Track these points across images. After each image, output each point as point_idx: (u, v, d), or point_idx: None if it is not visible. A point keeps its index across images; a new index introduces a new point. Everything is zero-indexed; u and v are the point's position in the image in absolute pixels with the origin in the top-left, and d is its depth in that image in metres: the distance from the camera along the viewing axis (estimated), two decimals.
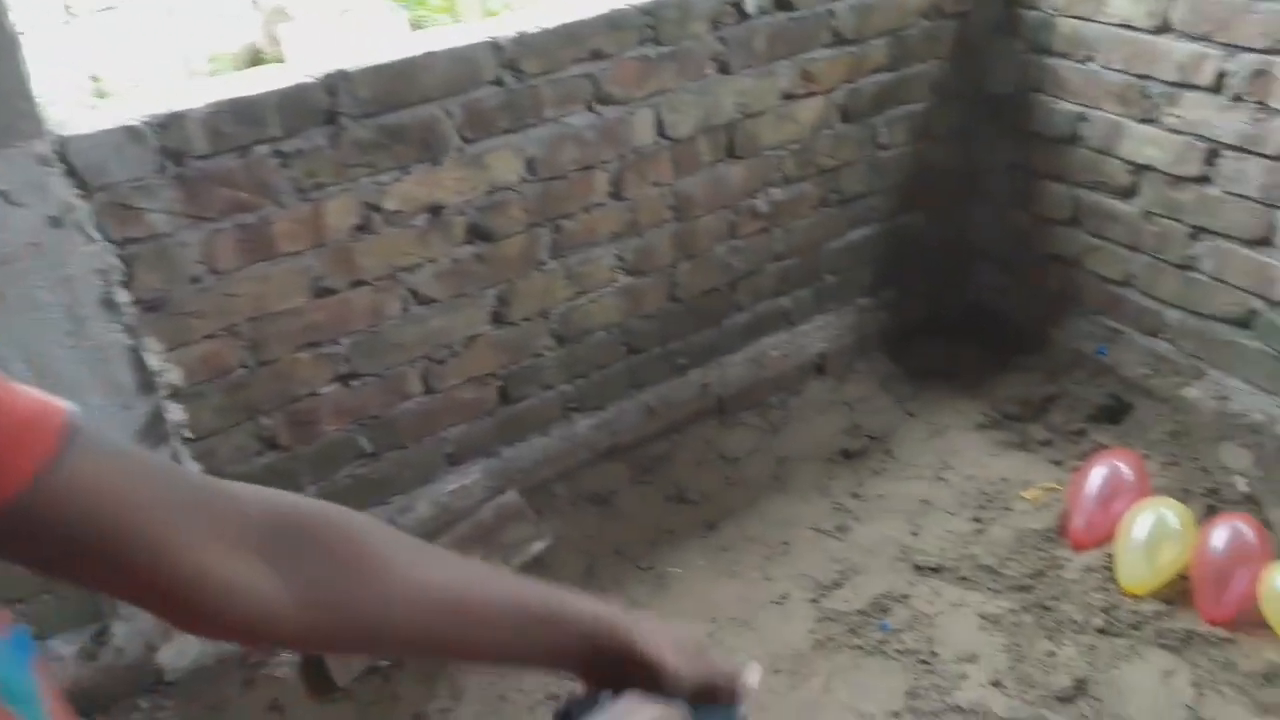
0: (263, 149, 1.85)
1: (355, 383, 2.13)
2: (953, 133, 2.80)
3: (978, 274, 2.97)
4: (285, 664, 2.02)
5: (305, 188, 1.91)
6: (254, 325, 1.97)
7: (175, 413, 1.94)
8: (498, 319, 2.26)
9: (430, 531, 2.24)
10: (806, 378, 2.71)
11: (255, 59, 4.76)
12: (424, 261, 2.12)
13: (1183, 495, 2.21)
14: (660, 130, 2.30)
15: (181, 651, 2.05)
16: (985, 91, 2.75)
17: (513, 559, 2.17)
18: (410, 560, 0.69)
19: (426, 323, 2.17)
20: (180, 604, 0.61)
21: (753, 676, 0.78)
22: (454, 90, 2.02)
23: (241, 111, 1.81)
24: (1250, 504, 2.21)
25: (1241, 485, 2.26)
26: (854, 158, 2.64)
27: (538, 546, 2.21)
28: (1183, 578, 2.05)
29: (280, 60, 4.35)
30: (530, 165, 2.16)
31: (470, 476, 2.34)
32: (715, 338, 2.61)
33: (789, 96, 2.45)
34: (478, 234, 2.16)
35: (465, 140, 2.07)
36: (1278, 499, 2.22)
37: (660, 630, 0.74)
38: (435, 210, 2.09)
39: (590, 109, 2.20)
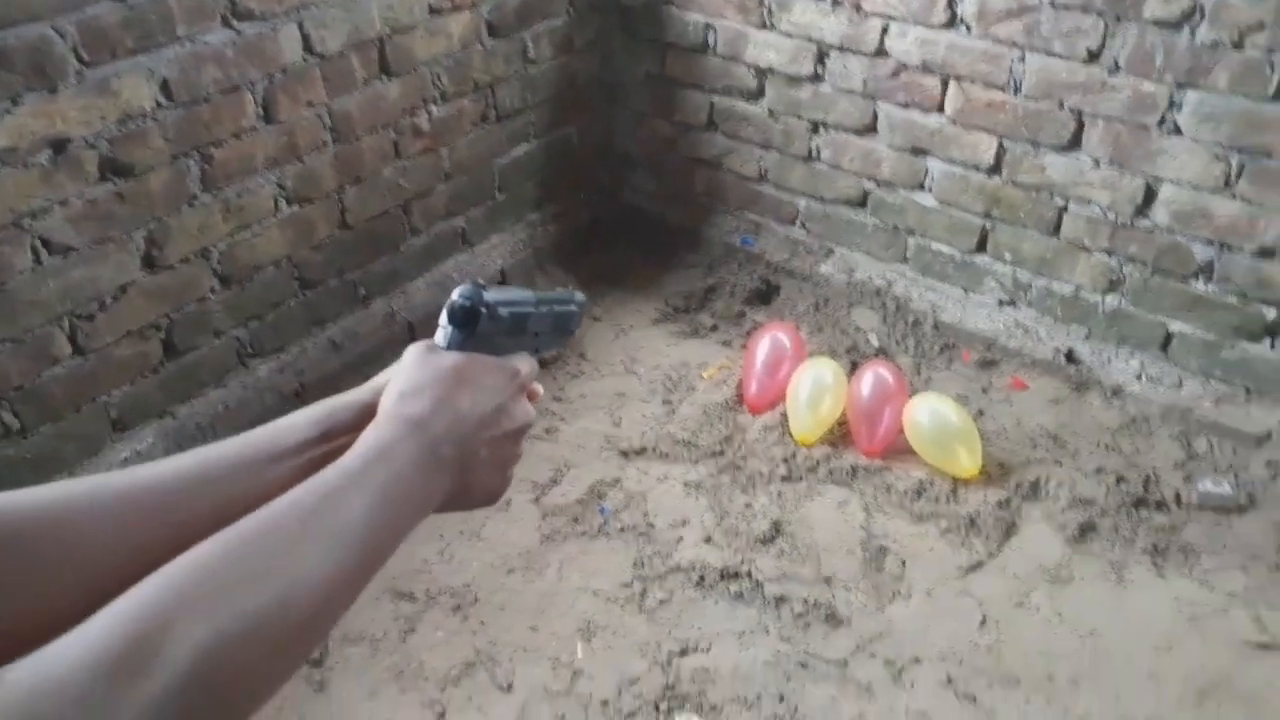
0: None
1: None
2: (592, 45, 2.90)
3: (630, 181, 3.14)
4: None
5: None
6: None
7: None
8: (150, 263, 2.04)
9: None
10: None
11: None
12: (52, 204, 1.85)
13: (832, 354, 2.53)
14: (308, 46, 2.18)
15: None
16: (619, 4, 2.88)
17: None
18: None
19: (65, 274, 1.91)
20: None
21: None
22: (65, 6, 1.77)
23: None
24: (883, 354, 2.58)
25: (874, 340, 2.63)
26: (506, 73, 2.66)
27: None
28: (841, 423, 2.36)
29: None
30: (166, 89, 1.96)
31: (144, 441, 2.11)
32: (394, 264, 2.55)
33: (436, 10, 2.41)
34: (114, 169, 1.92)
35: (84, 63, 1.82)
36: (902, 347, 2.61)
37: (409, 368, 0.70)
38: (59, 145, 1.83)
39: (227, 24, 2.02)
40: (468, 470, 0.68)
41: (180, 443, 2.15)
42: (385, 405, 0.67)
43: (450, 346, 0.72)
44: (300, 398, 2.35)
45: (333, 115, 2.28)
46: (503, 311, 0.73)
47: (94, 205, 1.91)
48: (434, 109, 2.50)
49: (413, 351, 0.71)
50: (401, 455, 0.63)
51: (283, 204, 2.25)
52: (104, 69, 1.85)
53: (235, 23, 2.03)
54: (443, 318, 0.72)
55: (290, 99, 2.18)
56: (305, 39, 2.16)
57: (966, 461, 2.18)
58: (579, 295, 0.84)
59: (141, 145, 1.95)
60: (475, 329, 0.72)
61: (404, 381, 0.68)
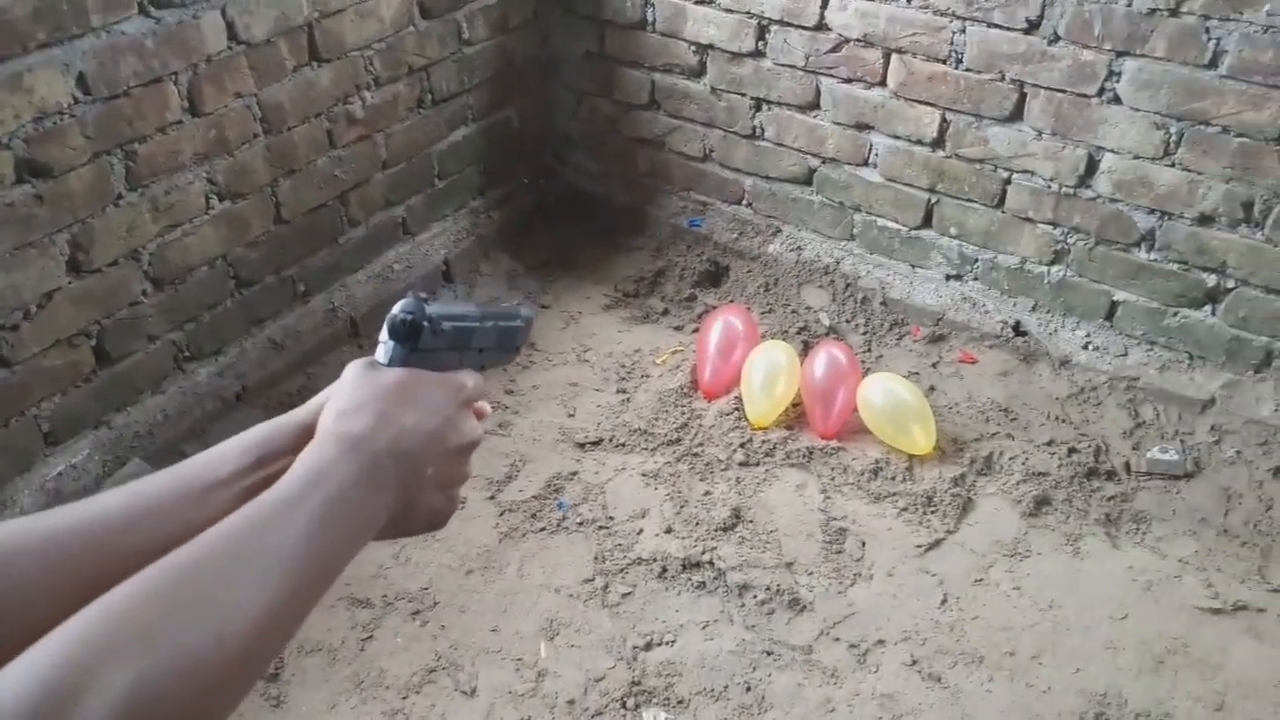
0: None
1: None
2: (529, 24, 2.83)
3: (573, 162, 3.08)
4: None
5: None
6: None
7: None
8: (76, 268, 1.95)
9: None
10: (436, 286, 2.67)
11: None
12: None
13: (783, 335, 2.52)
14: (232, 34, 2.08)
15: None
16: None
17: None
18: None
19: None
20: None
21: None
22: None
23: None
24: (834, 333, 2.57)
25: (824, 319, 2.62)
26: (441, 55, 2.59)
27: None
28: (796, 405, 2.35)
29: None
30: (83, 83, 1.86)
31: (79, 454, 2.02)
32: (334, 257, 2.47)
33: None
34: (31, 170, 1.83)
35: None
36: (852, 325, 2.61)
37: (349, 385, 0.67)
38: None
39: (145, 13, 1.92)
40: (412, 490, 0.65)
41: (117, 453, 2.06)
42: (324, 424, 0.64)
43: (392, 362, 0.69)
44: (242, 400, 2.27)
45: (262, 105, 2.19)
46: (446, 326, 0.70)
47: (11, 209, 1.81)
48: (368, 95, 2.42)
49: (352, 369, 0.68)
50: (340, 475, 0.60)
51: (214, 200, 2.16)
52: (14, 63, 1.75)
53: (154, 11, 1.94)
54: (383, 332, 0.69)
55: (217, 90, 2.09)
56: (229, 26, 2.07)
57: (921, 439, 2.19)
58: (525, 310, 0.81)
59: (60, 143, 1.86)
60: (417, 344, 0.69)
61: (343, 399, 0.65)
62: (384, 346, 0.69)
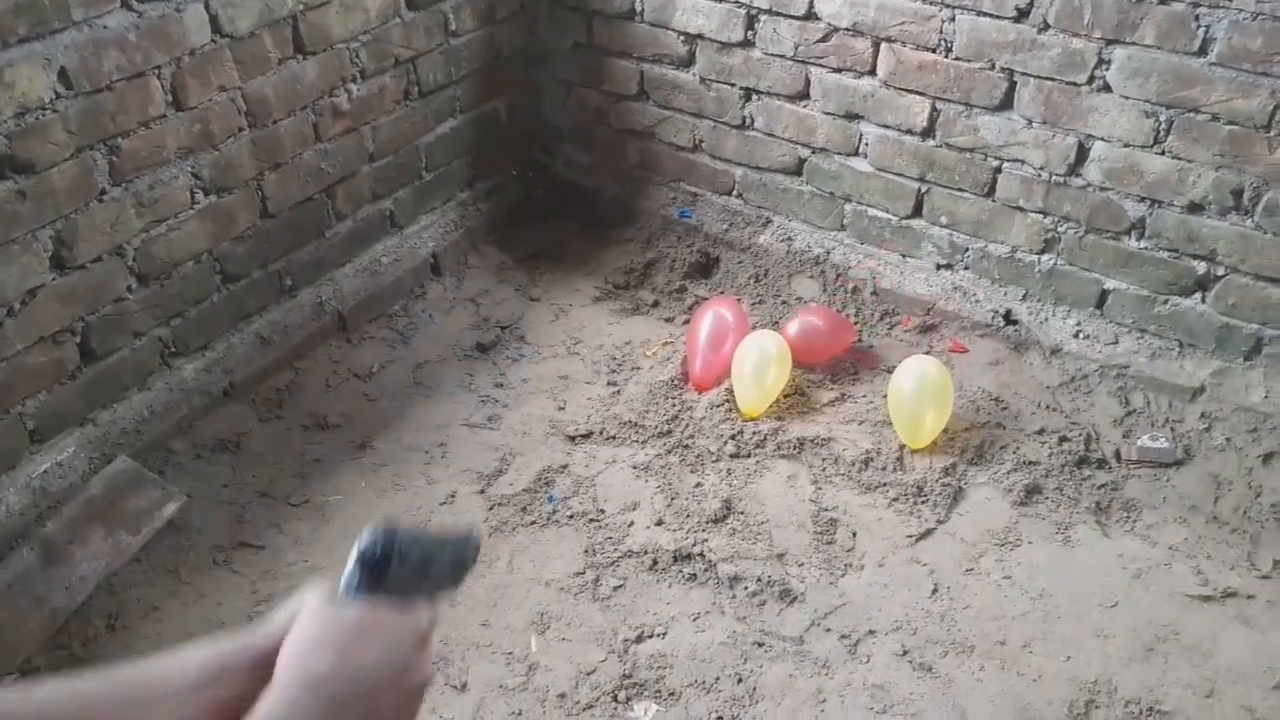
0: None
1: None
2: (517, 15, 2.82)
3: (562, 154, 3.07)
4: None
5: None
6: None
7: None
8: (60, 264, 1.93)
9: (30, 521, 1.90)
10: (424, 280, 2.65)
11: None
12: None
13: (774, 326, 2.51)
14: (216, 27, 2.07)
15: None
16: None
17: (144, 528, 1.93)
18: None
19: None
20: None
21: None
22: None
23: None
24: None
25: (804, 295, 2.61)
26: (428, 47, 2.57)
27: (170, 509, 1.97)
28: (787, 395, 2.35)
29: None
30: (65, 78, 1.84)
31: (64, 451, 2.01)
32: (321, 251, 2.45)
33: None
34: (13, 166, 1.81)
35: None
36: (843, 315, 2.60)
37: (310, 620, 0.68)
38: None
39: (127, 6, 1.91)
40: None
41: (104, 450, 2.05)
42: (283, 663, 0.65)
43: (357, 589, 0.70)
44: (229, 396, 2.26)
45: (247, 99, 2.17)
46: (412, 556, 0.72)
47: None
48: (354, 88, 2.40)
49: (313, 600, 0.69)
50: (301, 717, 0.62)
51: (199, 195, 2.15)
52: None
53: (136, 4, 1.92)
54: (351, 556, 0.70)
55: (201, 84, 2.07)
56: (213, 19, 2.06)
57: (928, 428, 2.18)
58: (475, 535, 0.82)
59: (42, 139, 1.84)
60: (385, 575, 0.70)
61: (306, 636, 0.66)
62: (350, 573, 0.70)
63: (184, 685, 0.65)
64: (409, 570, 0.71)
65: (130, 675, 0.66)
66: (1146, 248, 2.32)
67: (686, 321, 2.55)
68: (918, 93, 2.43)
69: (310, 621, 0.67)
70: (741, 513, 2.07)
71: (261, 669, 0.65)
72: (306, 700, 0.62)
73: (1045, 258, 2.46)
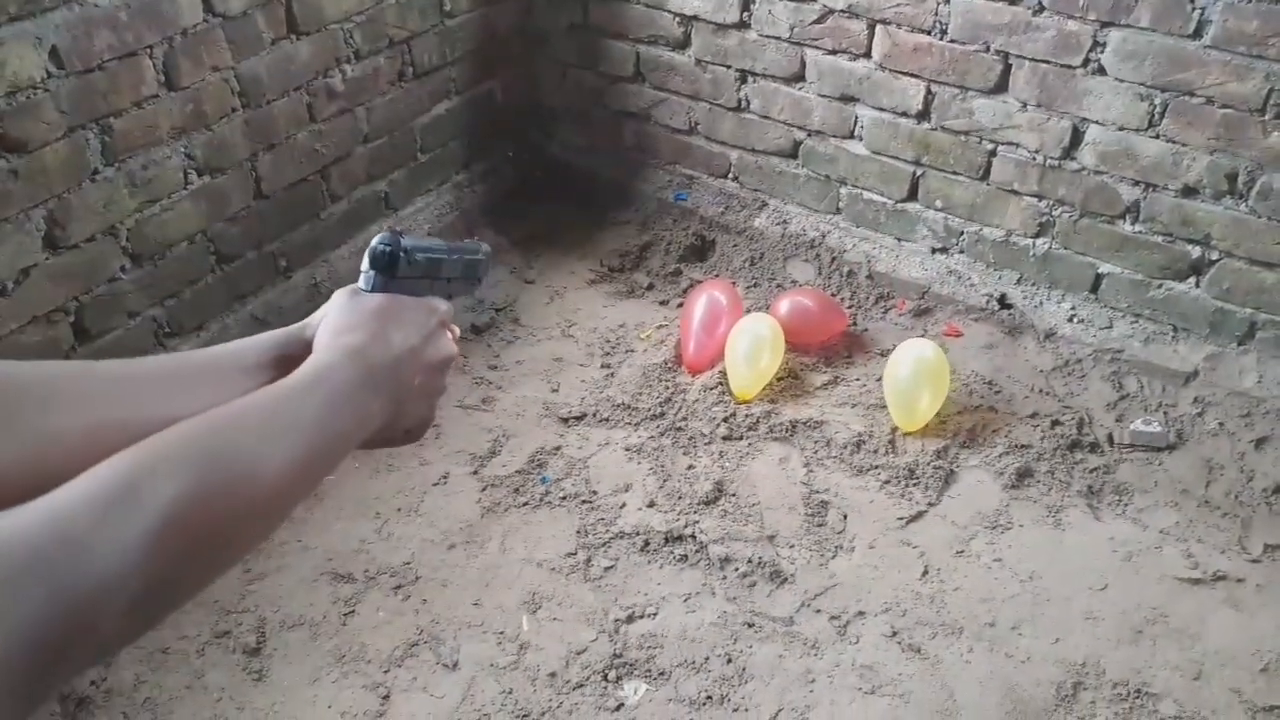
0: None
1: None
2: None
3: (558, 135, 3.06)
4: None
5: None
6: None
7: None
8: (53, 244, 1.93)
9: None
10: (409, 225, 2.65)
11: None
12: None
13: (767, 309, 2.51)
14: (208, 6, 2.05)
15: None
16: None
17: None
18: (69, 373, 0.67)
19: None
20: None
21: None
22: None
23: None
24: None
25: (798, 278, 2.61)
26: (422, 27, 2.56)
27: None
28: (780, 378, 2.35)
29: None
30: (56, 57, 1.83)
31: None
32: (315, 232, 2.45)
33: None
34: (4, 145, 1.80)
35: None
36: (838, 299, 2.60)
37: (340, 309, 0.75)
38: None
39: None
40: (400, 396, 0.74)
41: None
42: (320, 340, 0.73)
43: (373, 289, 0.77)
44: None
45: (240, 79, 2.17)
46: (419, 256, 0.79)
47: None
48: (348, 68, 2.40)
49: (339, 296, 0.77)
50: (342, 376, 0.69)
51: (193, 175, 2.14)
52: None
53: None
54: (364, 262, 0.78)
55: (193, 63, 2.07)
56: None
57: (922, 410, 2.18)
58: (485, 245, 0.90)
59: (34, 118, 1.83)
60: (395, 272, 0.77)
61: (336, 321, 0.74)
62: (365, 275, 0.77)
63: (235, 369, 0.72)
64: (417, 269, 0.79)
65: (207, 355, 0.73)
66: (1141, 232, 2.32)
67: (681, 305, 2.55)
68: (913, 75, 2.43)
69: (339, 311, 0.75)
70: (733, 495, 2.08)
71: (308, 350, 0.72)
72: (345, 366, 0.69)
73: (1040, 241, 2.46)
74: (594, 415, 2.25)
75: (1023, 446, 2.17)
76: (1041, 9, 2.20)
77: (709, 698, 1.72)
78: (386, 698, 1.72)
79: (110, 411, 0.65)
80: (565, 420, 2.24)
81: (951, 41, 2.34)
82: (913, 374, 2.20)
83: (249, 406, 0.64)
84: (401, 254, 0.77)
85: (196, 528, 0.55)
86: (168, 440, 0.58)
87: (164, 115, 2.04)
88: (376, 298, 0.76)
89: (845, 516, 2.04)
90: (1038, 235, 2.45)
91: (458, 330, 0.84)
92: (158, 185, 2.08)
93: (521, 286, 2.65)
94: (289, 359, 0.73)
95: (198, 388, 0.70)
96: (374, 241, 0.77)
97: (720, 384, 2.32)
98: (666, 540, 1.97)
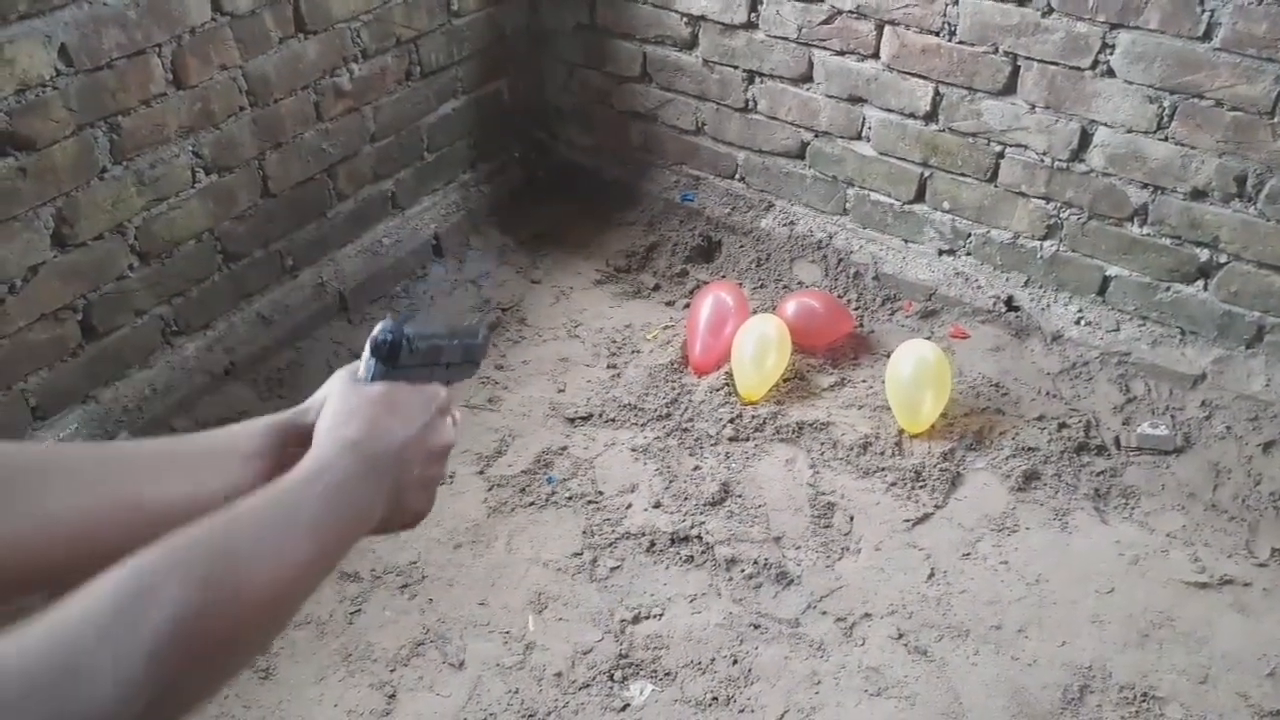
0: None
1: None
2: None
3: (564, 136, 3.06)
4: None
5: None
6: None
7: None
8: (61, 241, 1.94)
9: None
10: (426, 261, 2.65)
11: None
12: None
13: (774, 310, 2.50)
14: (216, 5, 2.06)
15: None
16: None
17: None
18: (67, 455, 0.68)
19: None
20: None
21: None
22: None
23: None
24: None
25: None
26: (430, 26, 2.56)
27: None
28: (786, 379, 2.35)
29: None
30: (65, 55, 1.84)
31: (66, 428, 2.02)
32: (322, 231, 2.45)
33: None
34: (14, 143, 1.81)
35: None
36: (845, 300, 2.60)
37: (339, 398, 0.74)
38: None
39: None
40: (401, 485, 0.73)
41: (105, 428, 2.06)
42: (320, 432, 0.72)
43: (373, 378, 0.76)
44: (230, 375, 2.27)
45: (248, 78, 2.17)
46: (420, 344, 0.78)
47: None
48: (355, 67, 2.40)
49: (338, 381, 0.76)
50: (341, 469, 0.69)
51: (200, 174, 2.15)
52: None
53: None
54: (366, 351, 0.77)
55: (201, 62, 2.07)
56: None
57: (926, 411, 2.18)
58: (485, 329, 0.90)
59: (42, 116, 1.84)
60: (397, 361, 0.76)
61: (334, 411, 0.73)
62: (366, 364, 0.77)
63: (233, 455, 0.73)
64: (419, 357, 0.78)
65: (203, 440, 0.74)
66: (1149, 234, 2.31)
67: (687, 305, 2.55)
68: (921, 76, 2.42)
69: (338, 399, 0.74)
70: (739, 496, 2.08)
71: (307, 436, 0.72)
72: (345, 457, 0.69)
73: (1047, 244, 2.45)
74: (600, 416, 2.25)
75: (1029, 449, 2.16)
76: (1050, 10, 2.20)
77: (715, 699, 1.72)
78: (393, 697, 1.73)
79: (107, 495, 0.66)
80: (571, 420, 2.24)
81: (960, 43, 2.33)
82: (914, 375, 2.20)
83: (246, 512, 0.63)
84: (404, 342, 0.76)
85: (199, 643, 0.55)
86: (167, 553, 0.57)
87: (172, 114, 2.04)
88: (376, 386, 0.75)
89: (851, 518, 2.04)
90: (1045, 237, 2.45)
91: (459, 415, 0.83)
92: (165, 184, 2.08)
93: (528, 286, 2.65)
94: (287, 444, 0.74)
95: (196, 472, 0.70)
96: (376, 330, 0.77)
97: (726, 385, 2.32)
98: (672, 541, 1.97)
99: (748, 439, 2.21)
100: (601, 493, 2.08)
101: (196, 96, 2.08)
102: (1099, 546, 1.98)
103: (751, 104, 2.71)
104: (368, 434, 0.71)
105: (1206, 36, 2.06)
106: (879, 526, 2.02)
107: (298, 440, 0.73)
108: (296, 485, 0.66)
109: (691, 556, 1.95)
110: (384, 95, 2.50)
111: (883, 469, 2.13)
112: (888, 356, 2.34)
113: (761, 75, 2.66)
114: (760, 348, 2.30)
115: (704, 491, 2.07)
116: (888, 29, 2.41)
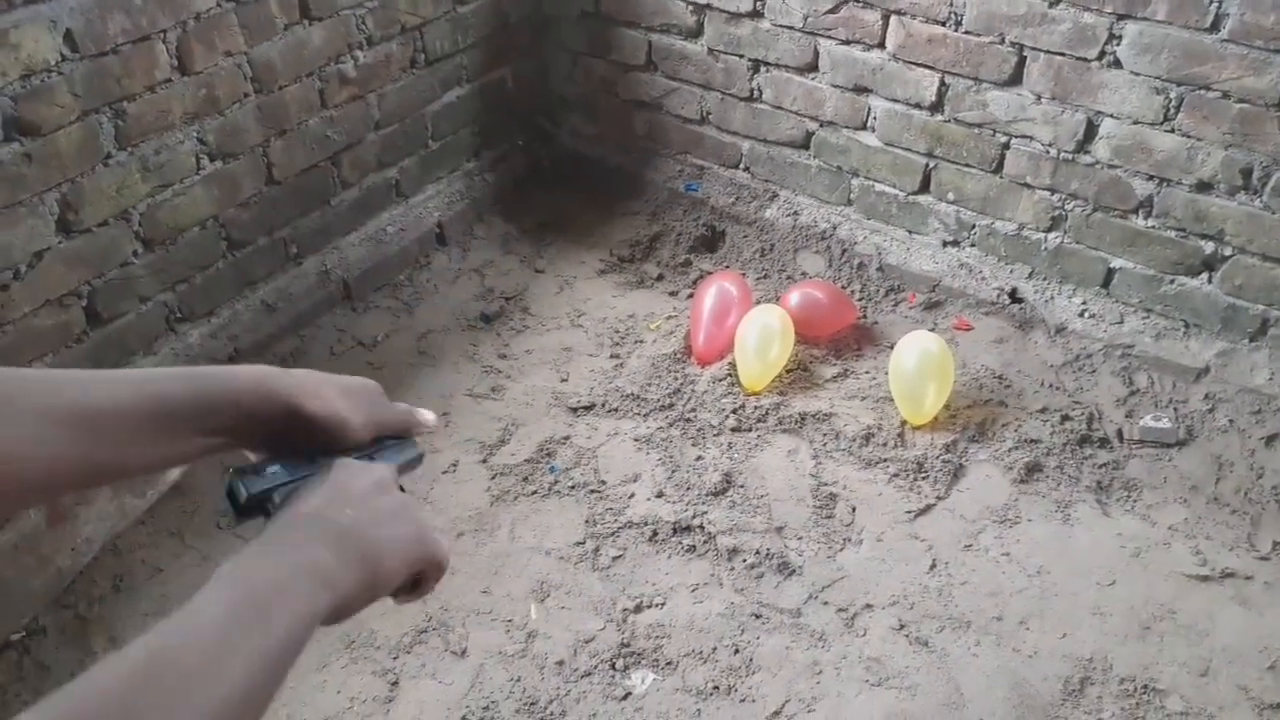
0: None
1: None
2: None
3: (568, 124, 3.06)
4: None
5: None
6: None
7: None
8: (66, 227, 1.94)
9: None
10: (429, 249, 2.65)
11: None
12: None
13: (778, 300, 2.50)
14: None
15: None
16: None
17: (149, 492, 1.94)
18: (35, 390, 0.58)
19: None
20: None
21: (428, 416, 0.76)
22: None
23: None
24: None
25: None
26: (435, 14, 2.56)
27: (174, 474, 1.99)
28: (789, 370, 2.35)
29: None
30: (71, 40, 1.83)
31: None
32: (326, 219, 2.45)
33: None
34: (19, 128, 1.81)
35: None
36: (848, 291, 2.59)
37: (324, 381, 0.68)
38: None
39: None
40: (359, 530, 0.62)
41: None
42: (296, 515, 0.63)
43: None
44: (234, 362, 2.27)
45: (253, 64, 2.17)
46: (276, 495, 0.66)
47: (0, 167, 1.80)
48: (360, 55, 2.39)
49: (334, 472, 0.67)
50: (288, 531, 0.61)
51: (205, 160, 2.14)
52: (1, 20, 1.73)
53: None
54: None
55: (206, 48, 2.07)
56: None
57: (929, 404, 2.18)
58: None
59: (48, 102, 1.84)
60: (270, 511, 0.65)
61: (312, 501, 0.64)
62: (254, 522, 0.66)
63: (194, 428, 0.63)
64: (291, 497, 0.65)
65: (158, 403, 0.62)
66: (1154, 227, 2.31)
67: (691, 296, 2.55)
68: (927, 66, 2.41)
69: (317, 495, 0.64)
70: (741, 486, 2.08)
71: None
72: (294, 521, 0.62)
73: (1052, 235, 2.45)
74: (603, 405, 2.25)
75: (1032, 441, 2.16)
76: (1057, 1, 2.19)
77: (716, 688, 1.73)
78: (395, 684, 1.73)
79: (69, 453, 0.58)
80: (574, 410, 2.24)
81: (966, 33, 2.32)
82: (917, 367, 2.19)
83: (176, 650, 0.51)
84: (261, 502, 0.65)
85: None
86: (89, 693, 0.48)
87: (176, 100, 2.04)
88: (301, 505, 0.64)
89: (854, 509, 2.04)
90: (1050, 229, 2.44)
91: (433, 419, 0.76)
92: (170, 170, 2.08)
93: (531, 275, 2.65)
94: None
95: (182, 425, 0.62)
96: (224, 496, 0.67)
97: (729, 375, 2.32)
98: (675, 530, 1.98)
99: (750, 429, 2.21)
100: (604, 482, 2.08)
101: (201, 83, 2.07)
102: (1101, 539, 1.99)
103: (756, 93, 2.71)
104: (324, 507, 0.63)
105: (1214, 28, 2.05)
106: (881, 517, 2.02)
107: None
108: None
109: (693, 546, 1.96)
110: (389, 83, 2.49)
111: (885, 460, 2.13)
112: (891, 348, 2.34)
113: (767, 64, 2.65)
114: (763, 338, 2.30)
115: (706, 481, 2.08)
116: (894, 18, 2.40)
